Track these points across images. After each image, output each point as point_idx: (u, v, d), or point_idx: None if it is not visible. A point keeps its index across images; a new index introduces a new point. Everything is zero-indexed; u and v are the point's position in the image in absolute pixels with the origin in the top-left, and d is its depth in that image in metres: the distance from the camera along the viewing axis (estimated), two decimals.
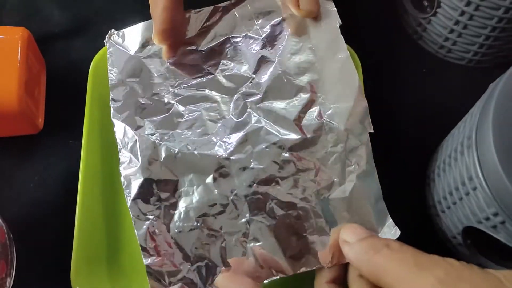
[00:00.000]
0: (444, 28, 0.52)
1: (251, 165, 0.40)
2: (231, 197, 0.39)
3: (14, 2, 0.59)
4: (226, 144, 0.41)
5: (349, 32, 0.55)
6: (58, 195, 0.51)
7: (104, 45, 0.52)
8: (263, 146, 0.41)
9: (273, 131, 0.41)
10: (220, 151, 0.41)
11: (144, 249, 0.40)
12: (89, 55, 0.55)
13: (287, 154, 0.40)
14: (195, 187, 0.41)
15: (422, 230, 0.50)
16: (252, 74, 0.44)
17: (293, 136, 0.40)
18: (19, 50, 0.49)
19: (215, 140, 0.41)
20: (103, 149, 0.50)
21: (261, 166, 0.40)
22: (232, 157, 0.40)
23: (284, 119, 0.41)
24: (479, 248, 0.47)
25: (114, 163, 0.50)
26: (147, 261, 0.39)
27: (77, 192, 0.47)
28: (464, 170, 0.42)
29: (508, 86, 0.39)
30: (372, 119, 0.49)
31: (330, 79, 0.43)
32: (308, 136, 0.40)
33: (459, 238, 0.46)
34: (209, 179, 0.40)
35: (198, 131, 0.42)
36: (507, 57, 0.54)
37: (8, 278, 0.47)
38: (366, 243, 0.36)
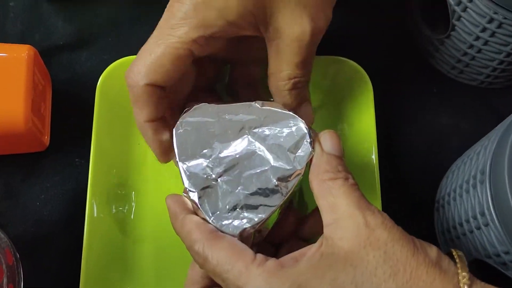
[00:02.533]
0: (457, 51, 0.51)
1: (237, 190, 0.40)
2: (211, 218, 0.39)
3: (17, 11, 0.57)
4: (216, 162, 0.40)
5: (359, 50, 0.55)
6: (65, 213, 0.51)
7: (110, 60, 0.51)
8: (253, 173, 0.40)
9: (266, 158, 0.40)
10: (209, 170, 0.40)
11: None
12: (95, 68, 0.55)
13: (276, 183, 0.40)
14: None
15: None
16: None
17: (285, 166, 0.40)
18: (25, 68, 0.48)
19: (208, 154, 0.41)
20: (111, 168, 0.50)
21: (247, 192, 0.40)
22: (219, 179, 0.40)
23: (279, 147, 0.40)
24: (487, 279, 0.46)
25: (121, 182, 0.50)
26: None
27: (83, 211, 0.47)
28: (476, 204, 0.42)
29: None
30: (381, 140, 0.49)
31: None
32: (299, 168, 0.40)
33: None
34: (194, 197, 0.40)
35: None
36: None
37: None
38: (334, 161, 0.37)
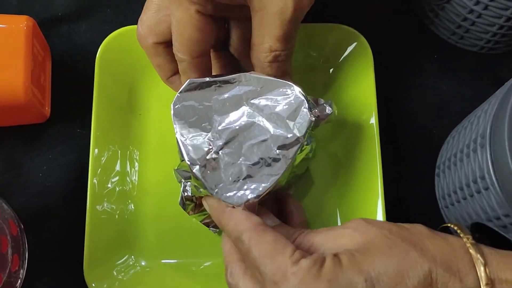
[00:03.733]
0: (458, 16, 0.51)
1: (239, 161, 0.40)
2: (216, 190, 0.39)
3: None
4: (217, 135, 0.40)
5: (359, 17, 0.55)
6: (67, 184, 0.51)
7: (110, 31, 0.51)
8: (253, 143, 0.40)
9: (265, 128, 0.40)
10: (209, 143, 0.40)
11: None
12: (94, 39, 0.55)
13: (277, 152, 0.40)
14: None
15: (432, 220, 0.51)
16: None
17: (285, 134, 0.40)
18: (24, 39, 0.48)
19: (207, 127, 0.41)
20: (112, 138, 0.50)
21: (249, 163, 0.40)
22: (220, 151, 0.40)
23: (278, 116, 0.40)
24: (487, 242, 0.47)
25: (123, 152, 0.50)
26: None
27: (86, 181, 0.48)
28: (476, 168, 0.42)
29: None
30: (382, 106, 0.49)
31: None
32: (299, 135, 0.40)
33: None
34: (196, 170, 0.40)
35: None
36: None
37: (21, 270, 0.47)
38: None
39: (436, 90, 0.54)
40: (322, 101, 0.43)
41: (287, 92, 0.41)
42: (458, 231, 0.35)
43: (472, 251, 0.34)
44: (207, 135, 0.40)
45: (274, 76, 0.41)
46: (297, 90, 0.40)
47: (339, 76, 0.52)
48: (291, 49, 0.42)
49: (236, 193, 0.39)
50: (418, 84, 0.54)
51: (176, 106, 0.41)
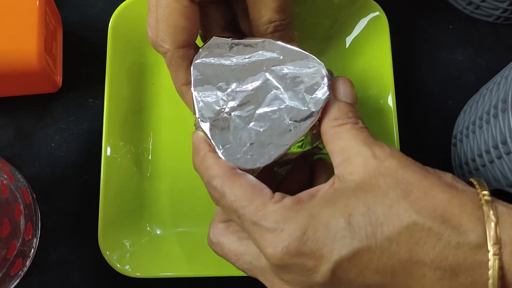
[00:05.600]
0: None
1: (250, 125, 0.39)
2: (221, 151, 0.39)
3: None
4: (231, 96, 0.40)
5: None
6: (80, 154, 0.51)
7: (122, 0, 0.50)
8: (267, 110, 0.40)
9: (281, 97, 0.40)
10: (222, 103, 0.40)
11: None
12: (106, 9, 0.54)
13: (289, 123, 0.39)
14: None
15: None
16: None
17: (300, 107, 0.39)
18: (37, 7, 0.47)
19: (223, 87, 0.40)
20: (125, 108, 0.49)
21: (259, 129, 0.39)
22: (232, 113, 0.39)
23: (296, 87, 0.40)
24: None
25: (136, 122, 0.50)
26: None
27: (99, 151, 0.47)
28: (497, 134, 0.42)
29: None
30: (398, 77, 0.49)
31: None
32: (314, 109, 0.39)
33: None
34: (206, 127, 0.39)
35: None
36: None
37: (35, 239, 0.47)
38: (344, 108, 0.38)
39: (451, 61, 0.54)
40: (333, 75, 0.43)
41: (309, 65, 0.40)
42: (477, 185, 0.34)
43: (485, 207, 0.32)
44: (222, 94, 0.40)
45: None
46: (320, 64, 0.40)
47: (353, 46, 0.51)
48: (289, 18, 0.41)
49: (241, 157, 0.38)
50: (433, 55, 0.54)
51: (196, 61, 0.41)
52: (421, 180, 0.33)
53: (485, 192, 0.33)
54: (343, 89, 0.39)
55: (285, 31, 0.42)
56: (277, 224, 0.33)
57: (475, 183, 0.35)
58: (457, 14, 0.55)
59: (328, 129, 0.37)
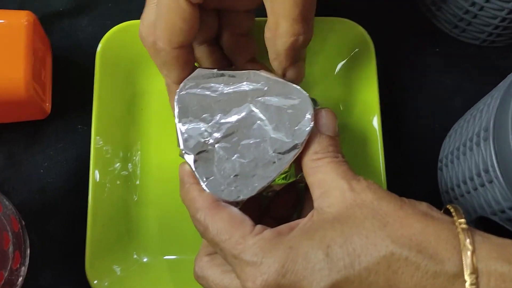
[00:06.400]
0: (459, 9, 0.51)
1: (234, 157, 0.40)
2: (205, 183, 0.39)
3: None
4: (216, 128, 0.40)
5: (360, 10, 0.55)
6: (69, 180, 0.51)
7: (112, 25, 0.51)
8: (251, 142, 0.40)
9: (265, 128, 0.40)
10: (207, 135, 0.40)
11: None
12: (95, 34, 0.54)
13: (273, 154, 0.39)
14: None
15: None
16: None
17: (283, 139, 0.40)
18: (25, 35, 0.48)
19: (208, 119, 0.40)
20: (113, 134, 0.50)
21: (243, 161, 0.39)
22: (217, 145, 0.40)
23: (280, 119, 0.40)
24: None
25: (124, 147, 0.50)
26: None
27: (87, 177, 0.47)
28: (480, 162, 0.42)
29: None
30: (384, 100, 0.49)
31: None
32: (297, 142, 0.39)
33: (472, 226, 0.46)
34: (190, 160, 0.40)
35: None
36: None
37: (23, 267, 0.47)
38: (325, 142, 0.38)
39: (437, 84, 0.54)
40: (318, 104, 0.43)
41: (294, 96, 0.40)
42: (453, 213, 0.34)
43: (461, 235, 0.32)
44: (206, 126, 0.40)
45: (288, 63, 0.40)
46: (305, 95, 0.40)
47: (340, 70, 0.52)
48: (309, 33, 0.38)
49: (225, 189, 0.39)
50: (420, 78, 0.54)
51: (181, 92, 0.41)
52: (396, 210, 0.34)
53: (462, 220, 0.33)
54: (325, 122, 0.39)
55: (300, 50, 0.39)
56: (256, 257, 0.34)
57: (452, 210, 0.35)
58: (443, 37, 0.55)
59: (308, 162, 0.38)
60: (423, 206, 0.35)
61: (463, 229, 0.33)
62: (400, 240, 0.32)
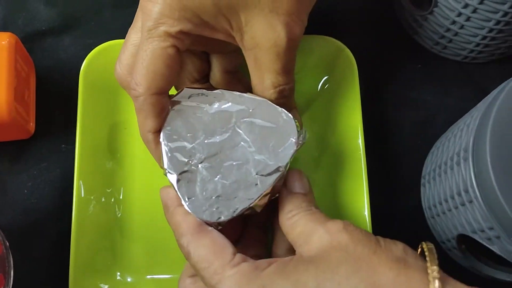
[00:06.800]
0: (441, 27, 0.51)
1: (216, 178, 0.40)
2: (187, 203, 0.39)
3: None
4: (200, 148, 0.40)
5: (342, 27, 0.55)
6: (53, 200, 0.51)
7: (94, 45, 0.51)
8: (234, 163, 0.40)
9: (249, 150, 0.40)
10: (190, 155, 0.40)
11: None
12: (79, 53, 0.54)
13: (255, 176, 0.40)
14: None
15: (420, 230, 0.51)
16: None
17: (267, 161, 0.40)
18: (7, 56, 0.48)
19: (192, 139, 0.41)
20: (97, 153, 0.50)
21: (226, 182, 0.40)
22: (200, 165, 0.40)
23: (264, 141, 0.40)
24: (474, 252, 0.47)
25: (108, 166, 0.50)
26: None
27: (71, 197, 0.47)
28: (460, 181, 0.42)
29: (506, 103, 0.38)
30: (367, 116, 0.49)
31: None
32: (281, 164, 0.40)
33: (454, 242, 0.47)
34: (173, 179, 0.40)
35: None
36: (503, 53, 0.54)
37: None
38: (297, 200, 0.39)
39: (420, 100, 0.54)
40: (303, 129, 0.43)
41: (278, 118, 0.40)
42: (427, 258, 0.34)
43: (431, 286, 0.32)
44: (190, 146, 0.40)
45: None
46: (289, 117, 0.40)
47: (322, 88, 0.52)
48: (293, 81, 0.41)
49: (207, 210, 0.39)
50: (402, 94, 0.54)
51: (168, 112, 0.41)
52: (370, 255, 0.34)
53: (434, 268, 0.33)
54: (296, 182, 0.41)
55: (288, 98, 0.41)
56: None
57: (426, 253, 0.35)
58: (425, 54, 0.56)
59: (285, 221, 0.39)
60: (399, 250, 0.35)
61: (434, 278, 0.33)
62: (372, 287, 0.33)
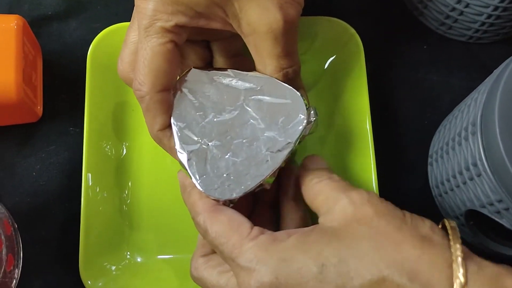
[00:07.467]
0: (446, 6, 0.51)
1: (227, 156, 0.40)
2: (198, 181, 0.40)
3: None
4: (209, 127, 0.40)
5: (348, 8, 0.55)
6: (61, 183, 0.51)
7: (100, 28, 0.51)
8: (244, 141, 0.40)
9: (258, 127, 0.40)
10: (200, 134, 0.40)
11: None
12: (85, 37, 0.55)
13: (265, 153, 0.40)
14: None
15: (427, 209, 0.51)
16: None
17: (276, 137, 0.40)
18: (15, 38, 0.48)
19: (202, 118, 0.41)
20: (105, 136, 0.50)
21: (237, 159, 0.40)
22: (210, 143, 0.40)
23: (273, 118, 0.40)
24: (482, 229, 0.47)
25: (116, 148, 0.50)
26: None
27: (80, 180, 0.48)
28: (468, 156, 0.42)
29: None
30: (373, 97, 0.50)
31: None
32: (290, 140, 0.40)
33: (462, 219, 0.47)
34: (184, 158, 0.40)
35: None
36: (508, 33, 0.54)
37: (16, 270, 0.47)
38: (318, 172, 0.40)
39: (426, 81, 0.54)
40: (311, 106, 0.43)
41: (287, 96, 0.40)
42: (450, 237, 0.34)
43: (455, 265, 0.32)
44: (199, 125, 0.40)
45: None
46: (297, 95, 0.40)
47: (329, 69, 0.52)
48: (296, 64, 0.41)
49: (218, 187, 0.39)
50: (408, 75, 0.55)
51: (176, 93, 0.41)
52: (394, 231, 0.34)
53: (458, 246, 0.33)
54: (319, 162, 0.42)
55: (293, 80, 0.41)
56: (250, 263, 0.35)
57: (448, 227, 0.35)
58: (430, 34, 0.56)
59: (308, 190, 0.39)
60: (426, 227, 0.35)
61: (457, 257, 0.32)
62: (394, 265, 0.32)
